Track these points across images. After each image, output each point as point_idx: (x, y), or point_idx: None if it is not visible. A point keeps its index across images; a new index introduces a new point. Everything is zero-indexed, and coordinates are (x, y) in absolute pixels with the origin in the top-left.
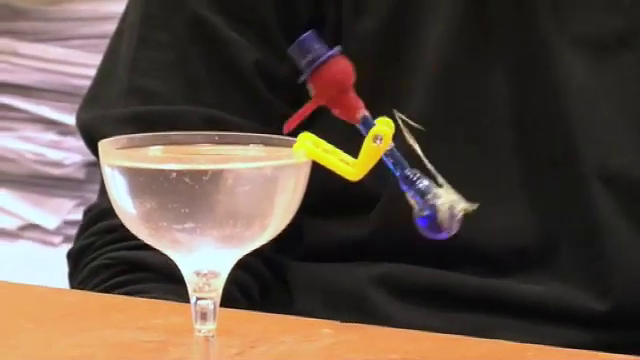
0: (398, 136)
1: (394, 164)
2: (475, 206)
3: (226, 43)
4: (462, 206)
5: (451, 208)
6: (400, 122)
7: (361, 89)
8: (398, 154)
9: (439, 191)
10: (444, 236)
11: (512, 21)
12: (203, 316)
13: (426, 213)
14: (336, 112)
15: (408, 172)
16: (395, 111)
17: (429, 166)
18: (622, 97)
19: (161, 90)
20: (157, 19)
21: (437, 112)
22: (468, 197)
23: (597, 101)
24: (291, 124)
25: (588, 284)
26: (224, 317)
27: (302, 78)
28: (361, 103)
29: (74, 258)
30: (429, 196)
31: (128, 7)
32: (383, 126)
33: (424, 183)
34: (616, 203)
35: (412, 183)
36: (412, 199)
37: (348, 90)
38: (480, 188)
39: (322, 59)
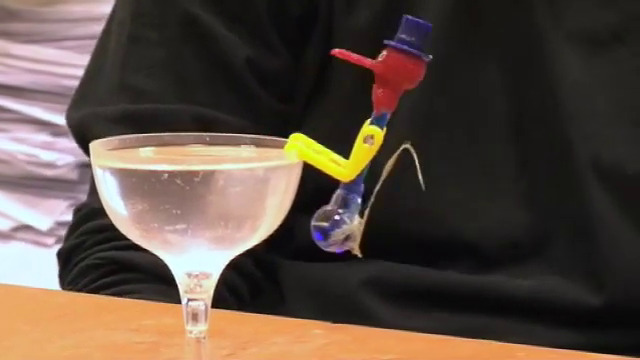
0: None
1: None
2: (360, 255)
3: (217, 40)
4: (353, 245)
5: (346, 238)
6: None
7: (354, 84)
8: (367, 163)
9: (355, 218)
10: (321, 245)
11: (506, 15)
12: (194, 317)
13: (324, 224)
14: (376, 90)
15: (358, 180)
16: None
17: (372, 198)
18: (617, 91)
19: (151, 88)
20: (148, 17)
21: (429, 106)
22: (462, 191)
23: (592, 96)
24: (341, 54)
25: (581, 279)
26: (215, 318)
27: (388, 42)
28: (394, 106)
29: (64, 257)
30: (343, 212)
31: (116, 5)
32: (376, 127)
33: (353, 200)
34: (610, 197)
35: (349, 189)
36: (333, 198)
37: (404, 88)
38: (473, 182)
39: (414, 51)
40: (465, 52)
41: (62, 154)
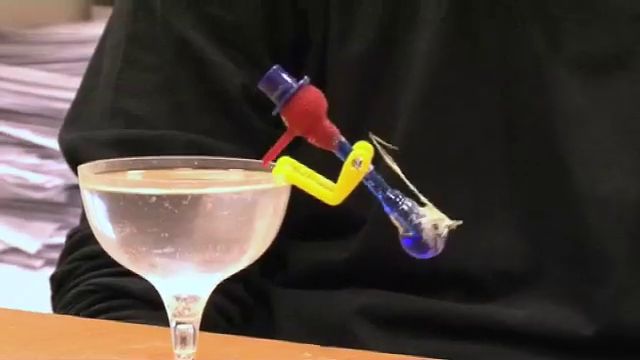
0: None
1: (375, 187)
2: (459, 222)
3: (213, 67)
4: (446, 223)
5: (435, 227)
6: (376, 144)
7: (349, 111)
8: (378, 177)
9: (422, 210)
10: (430, 255)
11: (503, 41)
12: (183, 340)
13: (411, 233)
14: (312, 141)
15: (390, 194)
16: (370, 134)
17: (411, 186)
18: (616, 118)
19: (145, 113)
20: (143, 39)
21: (424, 130)
22: (454, 217)
23: (590, 122)
24: (269, 157)
25: (575, 308)
26: (204, 341)
27: (274, 112)
28: (336, 130)
29: (57, 282)
30: (412, 216)
31: (110, 26)
32: (362, 150)
33: (407, 204)
34: (609, 225)
35: (395, 204)
36: (396, 220)
37: (321, 118)
38: (466, 210)
39: (291, 91)
40: (460, 76)
41: (50, 177)
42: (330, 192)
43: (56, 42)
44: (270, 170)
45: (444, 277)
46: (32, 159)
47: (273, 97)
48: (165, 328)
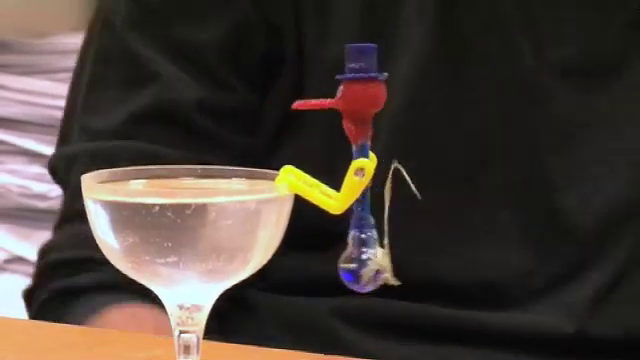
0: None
1: (359, 201)
2: (398, 283)
3: (167, 81)
4: (386, 276)
5: (377, 272)
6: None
7: (325, 127)
8: (368, 195)
9: (377, 251)
10: (354, 288)
11: (489, 53)
12: (186, 350)
13: (352, 265)
14: (346, 125)
15: (365, 215)
16: (395, 161)
17: (386, 225)
18: (612, 127)
19: (103, 127)
20: (107, 57)
21: (403, 148)
22: (438, 233)
23: (584, 132)
24: (302, 105)
25: (558, 309)
26: (207, 350)
27: (341, 76)
28: (370, 134)
29: (27, 301)
30: (365, 249)
31: (89, 41)
32: (366, 160)
33: (370, 235)
34: (600, 239)
35: (361, 227)
36: (350, 241)
37: (371, 115)
38: (454, 222)
39: (368, 75)
40: (442, 95)
41: (55, 185)
42: (333, 201)
43: (60, 52)
44: (273, 179)
45: (430, 288)
46: (36, 168)
47: (350, 65)
48: (167, 337)
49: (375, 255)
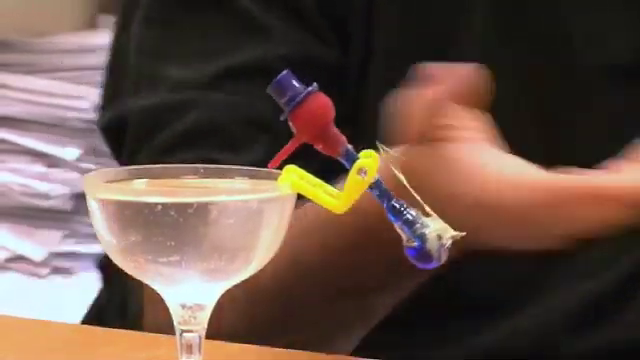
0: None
1: (379, 196)
2: (463, 234)
3: (279, 35)
4: (450, 234)
5: (439, 237)
6: (382, 153)
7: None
8: (383, 186)
9: (426, 220)
10: (433, 265)
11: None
12: (188, 349)
13: (415, 244)
14: (319, 147)
15: (395, 203)
16: (378, 143)
17: (416, 196)
18: None
19: (188, 77)
20: (187, 3)
21: None
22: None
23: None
24: (275, 161)
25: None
26: (210, 349)
27: (282, 117)
28: (343, 138)
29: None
30: (417, 225)
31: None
32: (367, 159)
33: (411, 213)
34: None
35: (399, 213)
36: (400, 229)
37: (329, 125)
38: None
39: (300, 97)
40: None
41: (56, 185)
42: (336, 201)
43: (62, 50)
44: (276, 178)
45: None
46: (38, 167)
47: (281, 102)
48: (169, 336)
49: (427, 225)
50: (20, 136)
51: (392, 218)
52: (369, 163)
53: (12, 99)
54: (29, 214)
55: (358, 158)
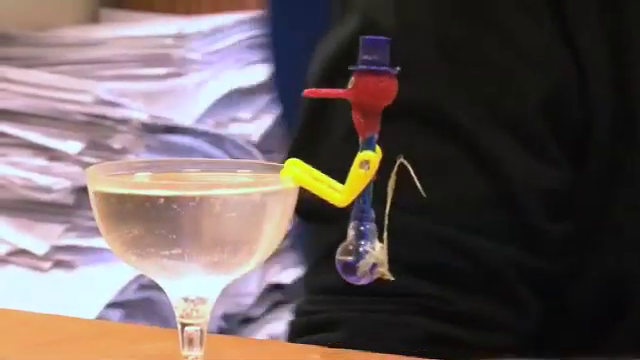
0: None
1: (362, 194)
2: (392, 279)
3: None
4: (382, 270)
5: (373, 266)
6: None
7: None
8: (371, 188)
9: (375, 245)
10: (351, 280)
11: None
12: (190, 342)
13: (349, 258)
14: (355, 116)
15: (367, 208)
16: (400, 157)
17: (386, 220)
18: None
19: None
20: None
21: None
22: None
23: None
24: (313, 93)
25: None
26: (212, 343)
27: (354, 67)
28: (378, 127)
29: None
30: (363, 243)
31: None
32: (371, 152)
33: (369, 228)
34: None
35: (361, 220)
36: (350, 232)
37: (380, 107)
38: None
39: (382, 68)
40: None
41: (58, 178)
42: (338, 194)
43: (64, 44)
44: (278, 172)
45: None
46: (40, 161)
47: (365, 57)
48: (172, 329)
49: (373, 248)
50: (22, 129)
51: (353, 219)
52: (372, 157)
53: (14, 92)
54: (31, 208)
55: (373, 151)
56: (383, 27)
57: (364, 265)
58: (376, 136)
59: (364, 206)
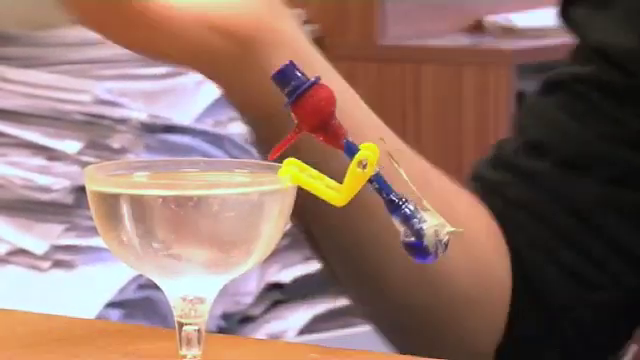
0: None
1: (379, 189)
2: (461, 230)
3: None
4: (447, 229)
5: (436, 232)
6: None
7: None
8: (383, 179)
9: (424, 215)
10: (430, 260)
11: None
12: (188, 342)
13: (412, 238)
14: (320, 139)
15: (393, 197)
16: (381, 138)
17: (415, 190)
18: None
19: None
20: None
21: None
22: None
23: None
24: (275, 152)
25: None
26: (210, 342)
27: (285, 106)
28: (344, 130)
29: None
30: (414, 220)
31: None
32: (367, 151)
33: (409, 207)
34: None
35: (397, 207)
36: (398, 223)
37: (330, 117)
38: None
39: (303, 88)
40: None
41: (58, 178)
42: (336, 193)
43: (64, 44)
44: (276, 171)
45: None
46: (39, 161)
47: (285, 92)
48: (172, 329)
49: (424, 220)
50: (21, 129)
51: (390, 212)
52: (369, 156)
53: (13, 92)
54: (30, 207)
55: (359, 150)
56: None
57: (430, 238)
58: (349, 138)
59: (389, 197)
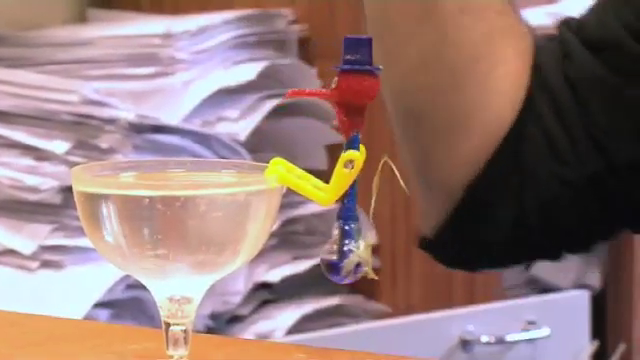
0: None
1: (347, 193)
2: (376, 278)
3: None
4: (366, 269)
5: (358, 264)
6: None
7: None
8: (356, 188)
9: (359, 244)
10: (336, 280)
11: None
12: (175, 342)
13: (333, 257)
14: (339, 115)
15: (351, 207)
16: (385, 156)
17: (371, 220)
18: None
19: None
20: None
21: None
22: None
23: None
24: (296, 93)
25: None
26: (197, 342)
27: (337, 67)
28: (362, 126)
29: None
30: (348, 241)
31: None
32: (355, 153)
33: (353, 227)
34: None
35: (348, 218)
36: (334, 232)
37: (361, 108)
38: None
39: (363, 67)
40: None
41: (45, 178)
42: (322, 193)
43: (52, 44)
44: (262, 171)
45: None
46: (27, 161)
47: (345, 57)
48: (158, 329)
49: (357, 247)
50: (9, 129)
51: (340, 217)
52: (356, 156)
53: (1, 93)
54: (18, 207)
55: (357, 149)
56: None
57: (348, 264)
58: (360, 135)
59: (349, 205)
